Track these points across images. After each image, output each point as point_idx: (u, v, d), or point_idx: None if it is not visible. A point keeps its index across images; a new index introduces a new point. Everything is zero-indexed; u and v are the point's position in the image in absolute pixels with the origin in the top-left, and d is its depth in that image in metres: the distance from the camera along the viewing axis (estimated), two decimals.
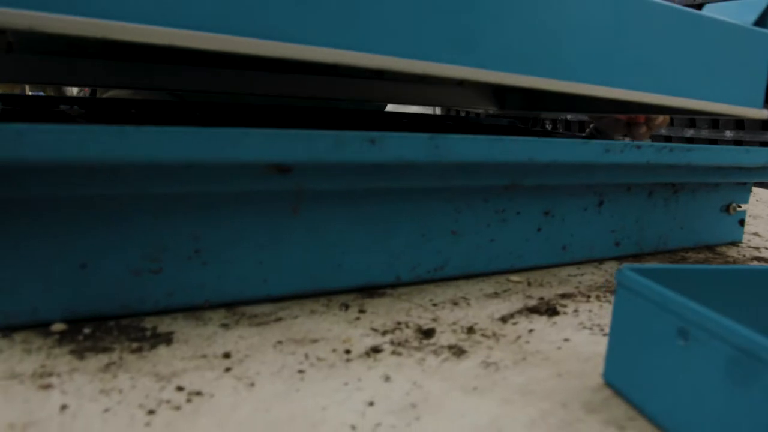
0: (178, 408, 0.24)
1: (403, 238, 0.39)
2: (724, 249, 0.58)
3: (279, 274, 0.35)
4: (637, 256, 0.52)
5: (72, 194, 0.29)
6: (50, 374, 0.26)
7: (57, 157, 0.26)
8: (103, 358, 0.28)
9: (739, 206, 0.59)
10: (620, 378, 0.28)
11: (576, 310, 0.38)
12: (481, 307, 0.38)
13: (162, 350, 0.29)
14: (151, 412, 0.24)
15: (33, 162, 0.26)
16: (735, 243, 0.60)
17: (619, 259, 0.51)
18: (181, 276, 0.33)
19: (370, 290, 0.39)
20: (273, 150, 0.31)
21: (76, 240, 0.30)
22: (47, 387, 0.25)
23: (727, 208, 0.58)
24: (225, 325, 0.32)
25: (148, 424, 0.23)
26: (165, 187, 0.30)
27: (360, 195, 0.37)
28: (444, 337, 0.33)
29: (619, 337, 0.28)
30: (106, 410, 0.24)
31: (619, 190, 0.49)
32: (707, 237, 0.57)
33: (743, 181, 0.57)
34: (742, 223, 0.60)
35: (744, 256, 0.55)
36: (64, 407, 0.24)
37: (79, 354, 0.28)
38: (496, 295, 0.40)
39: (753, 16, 0.53)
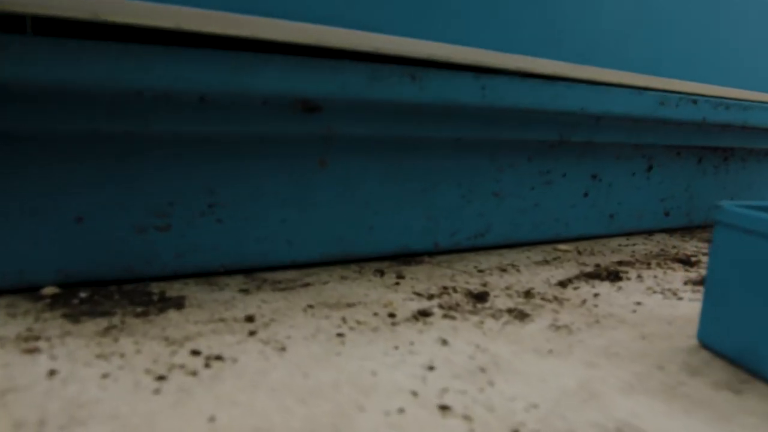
0: (194, 374, 0.20)
1: (442, 199, 0.35)
2: None
3: (305, 236, 0.31)
4: (686, 229, 0.48)
5: (66, 129, 0.24)
6: (37, 338, 0.21)
7: (52, 77, 0.21)
8: (102, 322, 0.23)
9: None
10: (721, 337, 0.23)
11: (639, 276, 0.34)
12: (533, 273, 0.33)
13: (172, 314, 0.24)
14: (161, 378, 0.19)
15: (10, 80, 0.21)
16: None
17: (669, 231, 0.47)
18: (193, 235, 0.28)
19: (406, 257, 0.34)
20: (299, 81, 0.26)
21: (70, 188, 0.26)
22: (33, 351, 0.20)
23: None
24: (244, 291, 0.28)
25: (157, 391, 0.18)
26: (174, 124, 0.26)
27: (396, 145, 0.32)
28: (500, 302, 0.28)
29: (718, 288, 0.23)
30: (105, 376, 0.19)
31: (668, 154, 0.45)
32: None
33: None
34: None
35: None
36: (52, 372, 0.19)
37: (74, 318, 0.23)
38: (546, 262, 0.36)
39: None
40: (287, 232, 0.30)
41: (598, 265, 0.35)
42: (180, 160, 0.27)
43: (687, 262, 0.37)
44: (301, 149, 0.30)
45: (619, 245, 0.41)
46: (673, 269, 0.36)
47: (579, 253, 0.38)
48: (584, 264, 0.36)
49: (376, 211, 0.33)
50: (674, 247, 0.42)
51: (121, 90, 0.23)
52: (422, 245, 0.35)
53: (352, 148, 0.31)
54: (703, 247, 0.42)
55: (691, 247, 0.42)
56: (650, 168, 0.44)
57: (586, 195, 0.41)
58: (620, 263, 0.36)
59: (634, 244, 0.42)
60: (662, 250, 0.41)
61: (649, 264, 0.36)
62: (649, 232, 0.46)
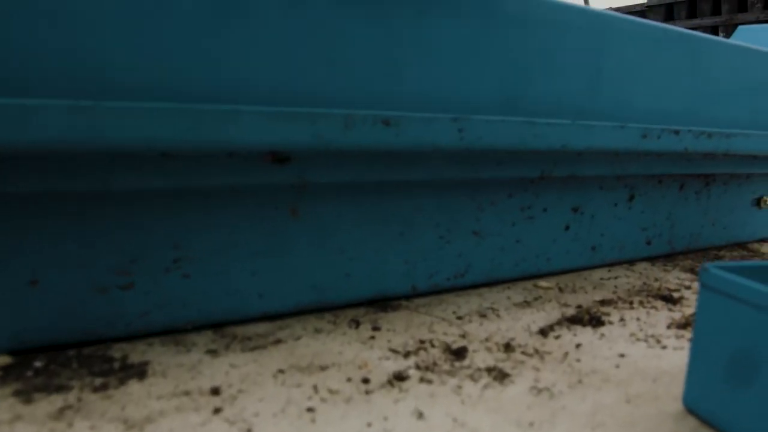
0: None
1: (419, 241, 0.34)
2: (756, 246, 0.53)
3: (277, 288, 0.30)
4: (668, 256, 0.47)
5: (18, 188, 0.23)
6: None
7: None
8: (57, 400, 0.22)
9: None
10: (707, 403, 0.22)
11: (622, 319, 0.33)
12: (514, 318, 0.32)
13: (133, 386, 0.23)
14: None
15: None
16: (767, 239, 0.55)
17: (651, 259, 0.46)
18: (158, 292, 0.27)
19: (382, 303, 0.33)
20: (268, 134, 0.25)
21: (23, 249, 0.24)
22: None
23: (758, 202, 0.53)
24: (212, 352, 0.26)
25: None
26: (135, 181, 0.24)
27: (371, 190, 0.31)
28: (479, 358, 0.27)
29: (704, 352, 0.22)
30: None
31: (650, 183, 0.44)
32: (738, 233, 0.52)
33: None
34: None
35: None
36: None
37: (26, 396, 0.22)
38: (527, 303, 0.35)
39: None
40: (259, 285, 0.29)
41: (579, 307, 0.34)
42: (142, 216, 0.26)
43: (670, 299, 0.36)
44: (272, 199, 0.29)
45: (601, 279, 0.40)
46: (656, 308, 0.35)
47: (560, 290, 0.37)
48: (566, 305, 0.35)
49: (351, 258, 0.32)
50: (656, 279, 0.41)
51: (73, 150, 0.22)
52: (400, 289, 0.34)
53: (325, 194, 0.30)
54: (686, 278, 0.41)
55: (673, 279, 0.41)
56: (632, 197, 0.43)
57: (567, 228, 0.40)
58: (602, 302, 0.35)
59: (616, 277, 0.41)
60: (644, 283, 0.40)
61: (631, 303, 0.36)
62: (631, 262, 0.45)
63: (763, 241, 0.55)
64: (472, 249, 0.36)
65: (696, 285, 0.40)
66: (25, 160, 0.22)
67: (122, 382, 0.23)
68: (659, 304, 0.36)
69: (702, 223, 0.49)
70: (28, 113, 0.20)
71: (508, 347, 0.28)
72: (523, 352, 0.28)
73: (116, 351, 0.26)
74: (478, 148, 0.31)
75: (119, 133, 0.22)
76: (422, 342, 0.28)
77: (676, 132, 0.40)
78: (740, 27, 0.55)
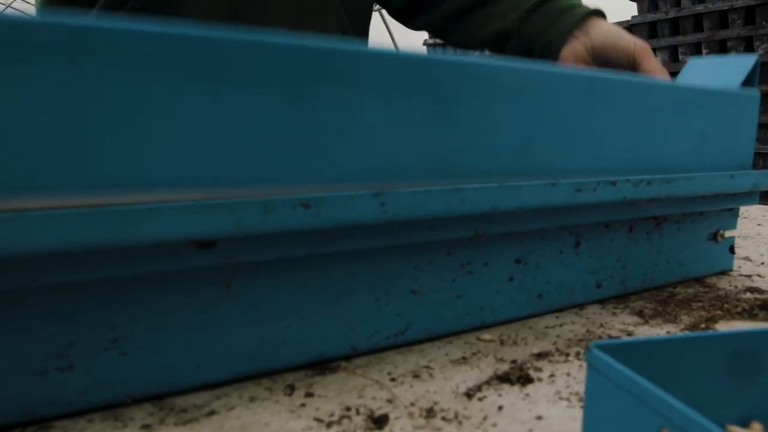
0: None
1: (356, 305, 0.35)
2: (714, 280, 0.54)
3: (214, 358, 0.31)
4: (621, 297, 0.48)
5: None
6: None
7: None
8: None
9: (727, 233, 0.55)
10: None
11: (552, 375, 0.34)
12: (446, 377, 0.34)
13: None
14: None
15: None
16: (725, 272, 0.56)
17: (602, 301, 0.47)
18: (97, 371, 0.29)
19: (323, 364, 0.35)
20: (188, 226, 0.27)
21: None
22: None
23: (714, 236, 0.54)
24: (147, 426, 0.28)
25: None
26: (64, 276, 0.26)
27: (302, 262, 0.33)
28: (398, 426, 0.29)
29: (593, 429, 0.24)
30: None
31: (596, 229, 0.45)
32: (695, 268, 0.54)
33: (730, 207, 0.53)
34: (732, 250, 0.56)
35: (736, 287, 0.52)
36: None
37: None
38: (463, 360, 0.36)
39: (740, 76, 0.51)
40: (195, 357, 0.31)
41: (514, 362, 0.36)
42: (78, 304, 0.28)
43: None
44: (204, 277, 0.30)
45: (546, 327, 0.42)
46: None
47: (501, 343, 0.39)
48: (501, 360, 0.36)
49: (287, 326, 0.33)
50: (602, 325, 0.42)
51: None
52: (339, 350, 0.35)
53: (258, 269, 0.32)
54: (631, 323, 0.43)
55: (618, 324, 0.43)
56: (578, 244, 0.45)
57: (511, 279, 0.41)
58: (539, 355, 0.37)
59: (561, 325, 0.42)
60: (588, 331, 0.41)
61: (567, 355, 0.37)
62: (582, 306, 0.46)
63: (721, 273, 0.56)
64: (412, 308, 0.37)
65: (639, 330, 0.41)
66: None
67: None
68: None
69: (656, 262, 0.50)
70: None
71: (430, 412, 0.30)
72: (443, 418, 0.29)
73: (57, 429, 0.28)
74: (403, 219, 0.32)
75: (43, 239, 0.24)
76: (348, 409, 0.30)
77: (613, 183, 0.41)
78: (691, 59, 0.57)
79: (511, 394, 0.32)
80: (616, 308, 0.46)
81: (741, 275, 0.56)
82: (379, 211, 0.31)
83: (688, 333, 0.29)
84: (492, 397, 0.32)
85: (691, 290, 0.51)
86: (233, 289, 0.31)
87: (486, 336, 0.40)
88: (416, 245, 0.36)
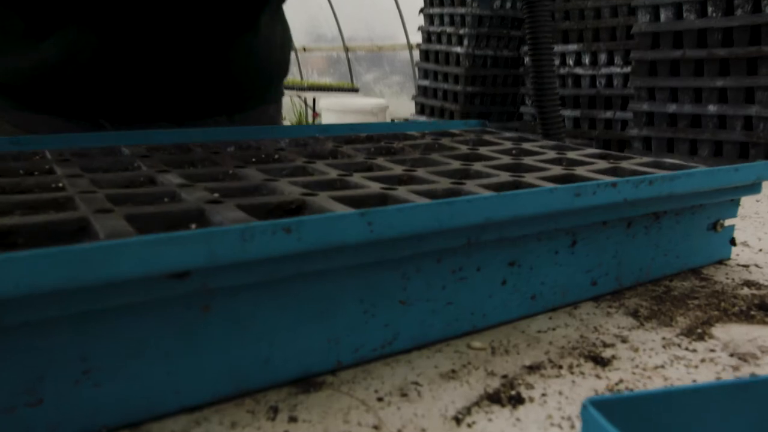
0: None
1: (342, 318, 0.34)
2: (711, 271, 0.53)
3: (193, 382, 0.30)
4: (615, 293, 0.47)
5: None
6: None
7: None
8: None
9: (727, 222, 0.53)
10: None
11: (544, 394, 0.33)
12: (435, 396, 0.33)
13: None
14: None
15: None
16: (723, 261, 0.55)
17: (596, 298, 0.46)
18: (68, 404, 0.27)
19: (307, 380, 0.34)
20: (159, 261, 0.25)
21: None
22: None
23: (714, 226, 0.53)
24: None
25: None
26: (32, 315, 0.25)
27: (285, 280, 0.31)
28: None
29: None
30: None
31: (593, 227, 0.44)
32: (693, 259, 0.52)
33: (732, 198, 0.52)
34: (733, 242, 0.55)
35: (733, 280, 0.51)
36: None
37: None
38: (453, 374, 0.35)
39: None
40: (174, 383, 0.30)
41: (505, 377, 0.35)
42: (44, 339, 0.26)
43: (600, 361, 0.37)
44: (181, 302, 0.29)
45: (539, 332, 0.41)
46: (583, 374, 0.35)
47: (493, 352, 0.38)
48: (492, 374, 0.35)
49: (270, 343, 0.32)
50: (596, 329, 0.41)
51: None
52: (324, 365, 0.34)
53: (238, 290, 0.30)
54: (626, 326, 0.42)
55: (612, 327, 0.42)
56: (574, 243, 0.43)
57: (504, 283, 0.40)
58: (531, 368, 0.36)
59: (554, 328, 0.41)
60: (582, 336, 0.40)
61: (560, 367, 0.36)
62: (576, 305, 0.45)
63: (720, 262, 0.55)
64: (399, 317, 0.36)
65: (633, 336, 0.40)
66: None
67: None
68: (588, 367, 0.36)
69: (652, 256, 0.49)
70: None
71: None
72: None
73: None
74: (390, 237, 0.31)
75: (9, 283, 0.22)
76: None
77: (614, 185, 0.40)
78: None
79: (501, 419, 0.31)
80: (610, 307, 0.45)
81: (738, 265, 0.55)
82: (366, 230, 0.30)
83: (687, 385, 0.28)
84: (482, 422, 0.31)
85: (687, 284, 0.50)
86: (212, 310, 0.30)
87: (476, 343, 0.39)
88: (405, 256, 0.35)
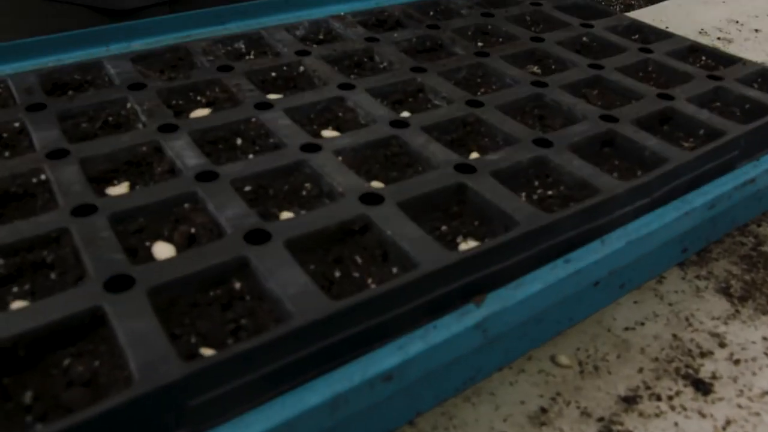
0: None
1: None
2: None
3: None
4: (702, 252, 0.42)
5: None
6: None
7: None
8: None
9: None
10: None
11: None
12: None
13: None
14: None
15: None
16: None
17: (682, 264, 0.41)
18: None
19: None
20: None
21: None
22: None
23: None
24: None
25: None
26: None
27: None
28: None
29: None
30: None
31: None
32: None
33: None
34: None
35: None
36: None
37: None
38: (542, 413, 0.31)
39: None
40: None
41: (601, 420, 0.31)
42: None
43: (701, 387, 0.33)
44: None
45: (626, 329, 0.36)
46: (685, 409, 0.32)
47: (581, 370, 0.33)
48: (586, 414, 0.31)
49: None
50: (688, 323, 0.36)
51: None
52: (401, 421, 0.30)
53: None
54: (721, 315, 0.37)
55: (705, 318, 0.37)
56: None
57: (596, 284, 0.34)
58: (626, 402, 0.32)
59: (643, 322, 0.36)
60: (674, 336, 0.36)
61: (659, 398, 0.32)
62: (660, 279, 0.40)
63: None
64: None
65: (731, 334, 0.36)
66: None
67: None
68: (688, 396, 0.32)
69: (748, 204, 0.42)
70: None
71: None
72: None
73: None
74: (504, 332, 0.24)
75: None
76: None
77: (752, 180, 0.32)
78: None
79: None
80: (698, 278, 0.40)
81: None
82: (481, 337, 0.23)
83: None
84: None
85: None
86: None
87: (563, 360, 0.34)
88: None
